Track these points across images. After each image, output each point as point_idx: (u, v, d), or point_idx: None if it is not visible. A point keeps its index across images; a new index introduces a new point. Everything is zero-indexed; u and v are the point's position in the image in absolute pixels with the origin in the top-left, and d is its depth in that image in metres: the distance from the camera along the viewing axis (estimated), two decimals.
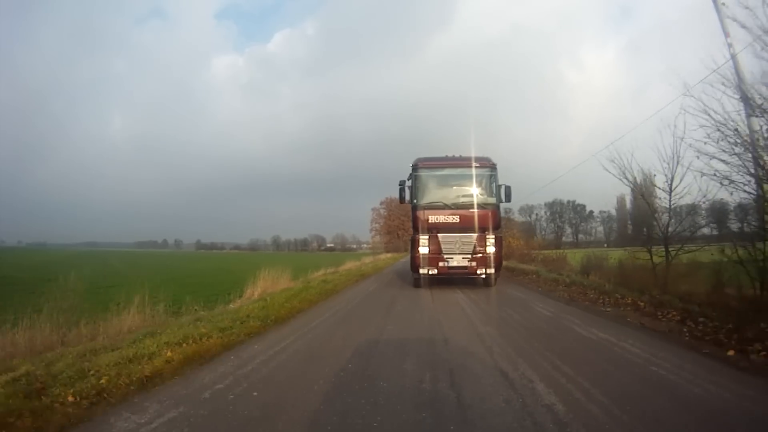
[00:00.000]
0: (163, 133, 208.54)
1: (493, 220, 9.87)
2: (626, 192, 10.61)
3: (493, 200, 9.90)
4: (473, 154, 10.23)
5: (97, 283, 13.46)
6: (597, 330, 5.20)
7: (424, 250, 9.67)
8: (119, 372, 3.59)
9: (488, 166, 10.04)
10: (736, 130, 5.70)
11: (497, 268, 9.99)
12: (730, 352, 4.26)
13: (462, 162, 10.15)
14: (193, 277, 16.26)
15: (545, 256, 18.82)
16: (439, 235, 9.72)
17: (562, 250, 17.83)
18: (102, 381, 3.42)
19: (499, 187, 9.99)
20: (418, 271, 9.80)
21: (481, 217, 9.70)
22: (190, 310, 7.16)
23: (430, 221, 9.75)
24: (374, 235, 65.69)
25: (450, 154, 10.53)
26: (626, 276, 9.63)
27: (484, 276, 9.75)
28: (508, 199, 10.32)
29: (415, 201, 9.91)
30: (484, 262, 9.61)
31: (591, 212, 72.44)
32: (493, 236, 9.81)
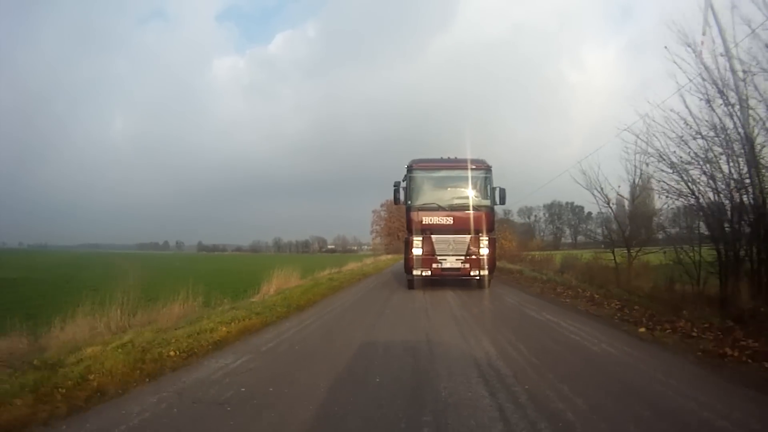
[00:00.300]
0: (165, 134, 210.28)
1: (487, 222, 9.97)
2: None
3: (487, 202, 10.02)
4: (470, 155, 10.37)
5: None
6: (548, 314, 6.71)
7: (417, 251, 9.85)
8: (194, 340, 5.08)
9: (483, 168, 10.12)
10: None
11: (491, 269, 10.05)
12: (641, 329, 5.75)
13: (457, 164, 10.34)
14: (206, 278, 17.76)
15: (533, 257, 20.35)
16: (432, 236, 9.87)
17: (547, 252, 19.28)
18: (184, 345, 4.93)
19: (493, 189, 10.12)
20: (411, 273, 10.00)
21: (475, 219, 9.79)
22: (220, 303, 8.64)
23: (423, 222, 9.92)
24: (375, 236, 67.05)
25: (446, 156, 10.70)
26: (592, 274, 11.18)
27: (477, 278, 9.88)
28: (502, 201, 10.44)
29: (409, 202, 10.07)
30: (477, 263, 9.74)
31: (589, 213, 74.11)
32: (487, 238, 9.90)
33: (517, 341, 4.82)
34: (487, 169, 10.14)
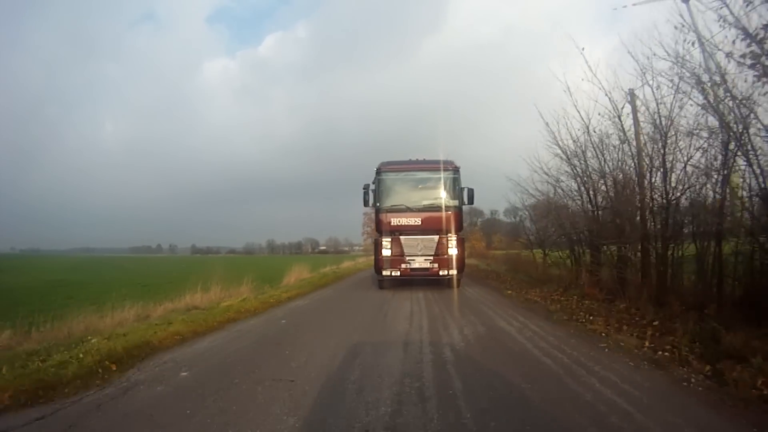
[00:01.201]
0: (157, 137, 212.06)
1: (455, 221, 10.23)
2: None
3: (455, 203, 10.25)
4: (441, 157, 10.63)
5: (165, 278, 19.44)
6: (467, 287, 11.44)
7: (386, 252, 10.19)
8: (276, 299, 9.70)
9: (451, 169, 10.34)
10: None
11: (460, 269, 10.30)
12: (508, 292, 10.53)
13: (425, 165, 10.69)
14: (234, 273, 22.04)
15: (495, 255, 25.29)
16: (401, 237, 10.19)
17: (514, 251, 24.02)
18: (273, 300, 9.53)
19: (461, 189, 10.36)
20: (381, 273, 10.39)
21: (443, 219, 10.04)
22: (261, 286, 13.19)
23: (392, 224, 10.21)
24: (366, 238, 71.11)
25: (416, 158, 11.08)
26: (519, 266, 16.06)
27: (447, 277, 10.23)
28: (470, 201, 10.73)
29: (378, 204, 10.37)
30: (446, 263, 10.02)
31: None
32: (455, 238, 10.16)
33: (436, 299, 9.56)
34: (456, 169, 10.36)
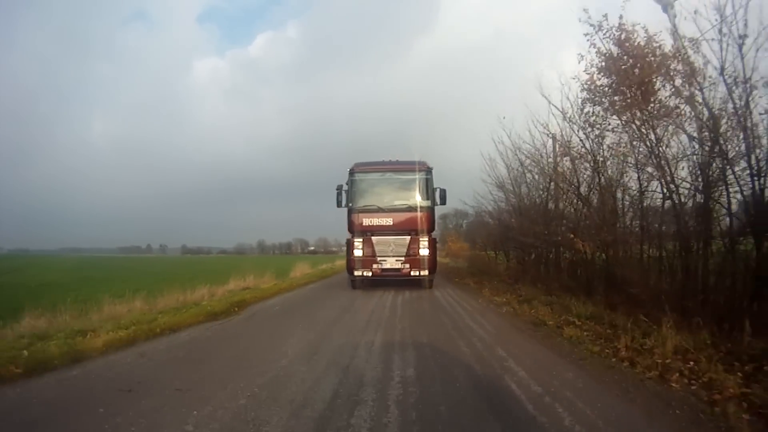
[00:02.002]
0: (146, 136, 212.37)
1: (427, 222, 10.35)
2: None
3: (427, 203, 10.39)
4: (417, 158, 10.83)
5: (187, 274, 23.40)
6: (437, 281, 15.81)
7: (358, 252, 10.38)
8: (293, 285, 14.00)
9: (423, 169, 10.50)
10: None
11: (431, 269, 10.48)
12: (456, 279, 15.03)
13: (398, 166, 10.87)
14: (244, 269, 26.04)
15: (464, 255, 29.85)
16: (373, 237, 10.36)
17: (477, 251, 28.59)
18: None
19: (434, 190, 10.50)
20: (353, 274, 10.67)
21: (414, 220, 10.22)
22: (274, 278, 17.39)
23: (364, 224, 10.35)
24: None
25: (389, 159, 11.22)
26: (475, 262, 20.58)
27: (418, 277, 10.46)
28: (443, 201, 10.84)
29: (350, 204, 10.51)
30: (417, 264, 10.23)
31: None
32: (427, 238, 10.31)
33: (402, 289, 13.91)
34: (428, 170, 10.52)
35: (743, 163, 4.87)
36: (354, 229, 10.56)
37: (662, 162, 5.72)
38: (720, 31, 4.89)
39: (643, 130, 6.18)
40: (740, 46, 4.74)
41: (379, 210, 10.44)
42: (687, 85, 5.76)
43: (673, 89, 5.95)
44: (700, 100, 5.50)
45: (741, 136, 4.91)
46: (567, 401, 3.06)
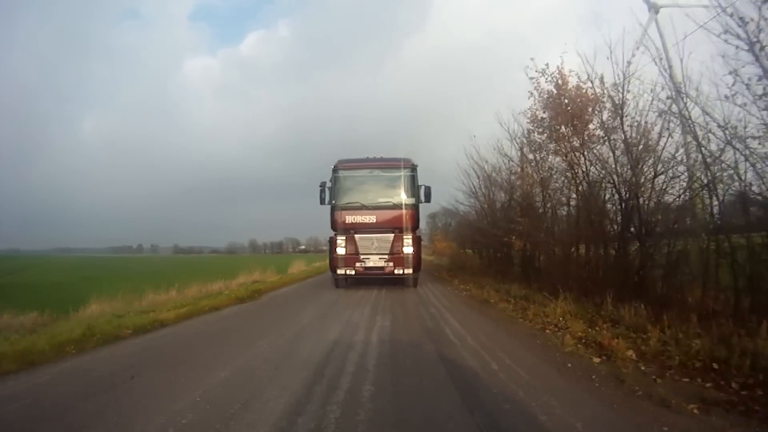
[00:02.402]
0: (138, 135, 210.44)
1: (411, 220, 10.19)
2: None
3: (411, 200, 10.23)
4: (403, 156, 10.71)
5: (195, 272, 25.30)
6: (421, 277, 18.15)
7: (341, 250, 10.27)
8: (293, 279, 16.22)
9: (408, 166, 10.39)
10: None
11: (415, 268, 10.35)
12: (435, 273, 17.41)
13: (382, 163, 10.67)
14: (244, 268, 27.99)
15: (451, 252, 32.31)
16: (356, 235, 10.25)
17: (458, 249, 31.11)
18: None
19: (418, 187, 10.35)
20: (336, 272, 10.55)
21: (398, 217, 10.09)
22: (274, 275, 19.53)
23: (347, 221, 10.23)
24: None
25: (374, 155, 11.04)
26: (457, 259, 22.98)
27: (402, 276, 10.28)
28: (427, 199, 10.62)
29: (333, 201, 10.37)
30: (401, 262, 10.10)
31: None
32: (411, 236, 10.17)
33: (384, 284, 16.20)
34: (413, 167, 10.39)
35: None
36: (337, 226, 10.39)
37: (582, 186, 7.88)
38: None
39: (575, 155, 7.94)
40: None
41: (363, 207, 10.23)
42: (612, 119, 7.30)
43: (600, 122, 7.67)
44: (621, 132, 6.95)
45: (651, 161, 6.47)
46: (476, 337, 5.36)
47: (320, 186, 10.56)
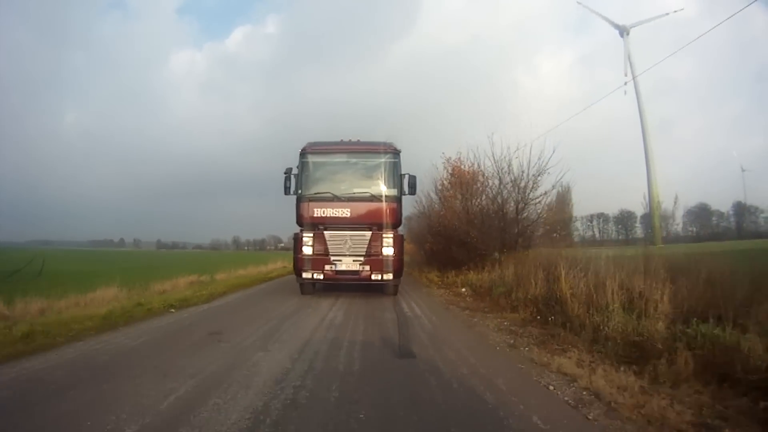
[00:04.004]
0: (119, 128, 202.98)
1: (392, 215, 8.85)
2: None
3: (393, 192, 8.91)
4: (382, 140, 9.43)
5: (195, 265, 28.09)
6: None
7: (307, 250, 8.77)
8: (278, 272, 19.65)
9: (390, 152, 9.09)
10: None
11: (396, 273, 8.86)
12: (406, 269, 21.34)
13: (359, 147, 9.48)
14: (236, 264, 30.47)
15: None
16: (325, 232, 8.79)
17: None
18: (276, 274, 19.46)
19: (401, 176, 9.02)
20: (301, 276, 8.95)
21: (377, 212, 8.74)
22: (257, 268, 22.85)
23: (315, 215, 8.82)
24: None
25: (350, 138, 9.77)
26: (416, 257, 26.91)
27: (380, 283, 8.81)
28: (412, 190, 9.33)
29: (299, 191, 8.96)
30: (379, 266, 8.64)
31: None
32: (392, 234, 8.80)
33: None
34: (395, 153, 9.16)
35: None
36: (303, 221, 8.97)
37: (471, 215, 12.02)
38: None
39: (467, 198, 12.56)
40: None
41: (335, 199, 8.83)
42: (489, 180, 11.99)
43: (481, 181, 12.32)
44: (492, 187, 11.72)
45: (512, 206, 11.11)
46: (404, 294, 9.26)
47: (285, 173, 9.06)
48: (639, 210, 72.31)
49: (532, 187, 10.54)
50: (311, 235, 8.80)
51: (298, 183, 9.00)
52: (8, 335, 4.88)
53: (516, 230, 10.66)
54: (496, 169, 11.17)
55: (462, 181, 13.06)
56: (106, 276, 10.88)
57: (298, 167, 9.07)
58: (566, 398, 3.13)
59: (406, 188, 9.11)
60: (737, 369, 3.11)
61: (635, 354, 3.82)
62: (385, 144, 9.23)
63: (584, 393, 3.20)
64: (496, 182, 11.29)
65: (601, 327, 4.45)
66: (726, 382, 3.08)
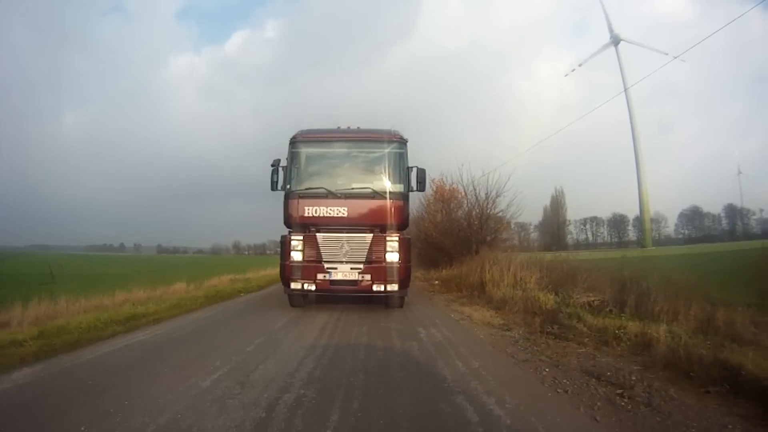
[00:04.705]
0: (118, 132, 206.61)
1: (398, 214, 7.63)
2: None
3: (399, 187, 7.71)
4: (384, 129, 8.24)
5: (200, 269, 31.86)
6: None
7: (296, 255, 7.56)
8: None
9: (395, 141, 7.90)
10: None
11: (402, 283, 7.61)
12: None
13: (358, 135, 8.28)
14: (247, 266, 34.06)
15: None
16: (318, 234, 7.56)
17: None
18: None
19: (408, 170, 7.83)
20: (289, 286, 7.67)
21: (380, 211, 7.55)
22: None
23: (306, 214, 7.59)
24: None
25: (348, 126, 8.53)
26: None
27: (383, 294, 7.60)
28: (421, 186, 8.02)
29: (288, 186, 7.76)
30: (382, 274, 7.44)
31: (508, 223, 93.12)
32: (397, 237, 7.57)
33: None
34: (401, 142, 7.95)
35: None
36: (292, 221, 7.82)
37: (447, 227, 15.94)
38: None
39: (447, 212, 16.42)
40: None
41: (329, 195, 7.66)
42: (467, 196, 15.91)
43: (461, 195, 16.17)
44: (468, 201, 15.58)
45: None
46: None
47: (272, 165, 7.95)
48: (633, 213, 76.24)
49: (492, 206, 14.49)
50: (301, 238, 7.63)
51: (287, 176, 7.86)
52: (162, 305, 8.61)
53: (478, 238, 14.54)
54: (465, 192, 15.16)
55: (443, 198, 17.00)
56: (135, 278, 12.68)
57: (287, 159, 7.94)
58: (456, 318, 7.20)
59: (414, 183, 7.88)
60: (539, 309, 6.95)
61: (503, 305, 7.66)
62: (389, 132, 8.12)
63: (465, 317, 7.23)
64: (470, 200, 15.24)
65: (494, 295, 8.33)
66: (535, 315, 6.86)
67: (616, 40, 73.43)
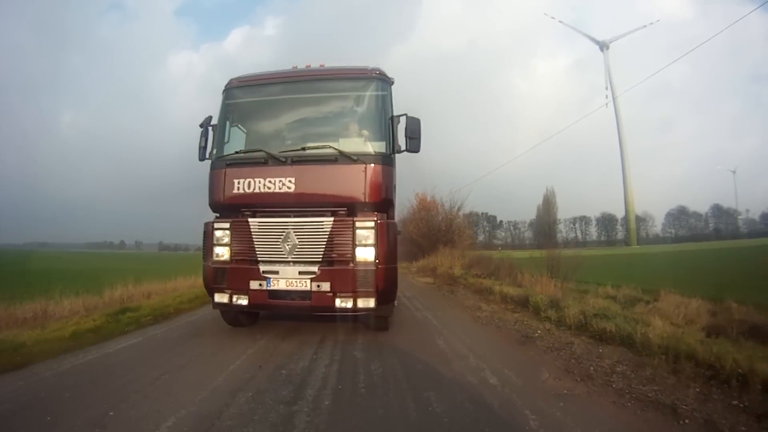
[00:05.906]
0: (117, 130, 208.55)
1: (375, 187, 4.72)
2: None
3: (378, 146, 4.88)
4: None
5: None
6: None
7: (221, 251, 4.90)
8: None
9: (374, 78, 5.09)
10: None
11: (383, 295, 4.67)
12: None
13: (318, 73, 5.34)
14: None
15: None
16: (251, 220, 4.83)
17: None
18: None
19: (393, 120, 4.93)
20: (213, 297, 4.92)
21: (348, 181, 4.72)
22: None
23: (236, 191, 4.90)
24: None
25: (308, 65, 5.51)
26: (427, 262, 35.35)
27: (353, 312, 4.54)
28: (414, 145, 4.89)
29: (214, 151, 5.14)
30: (349, 282, 4.56)
31: (500, 222, 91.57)
32: (374, 222, 4.63)
33: None
34: (382, 80, 5.14)
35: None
36: (217, 202, 5.07)
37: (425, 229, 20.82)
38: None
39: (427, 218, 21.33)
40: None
41: (270, 161, 4.85)
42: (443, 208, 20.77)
43: (436, 208, 21.15)
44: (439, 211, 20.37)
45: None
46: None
47: (200, 125, 5.30)
48: (622, 213, 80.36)
49: (455, 215, 19.51)
50: (227, 225, 4.91)
51: (216, 139, 5.22)
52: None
53: (444, 239, 19.36)
54: (440, 203, 20.13)
55: (425, 207, 21.90)
56: (167, 271, 13.29)
57: (219, 115, 5.34)
58: (414, 282, 12.76)
59: (404, 142, 4.87)
60: (452, 277, 11.83)
61: (439, 276, 12.66)
62: (364, 69, 5.23)
63: (420, 282, 12.80)
64: (440, 210, 20.29)
65: (437, 272, 13.29)
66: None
67: (604, 46, 77.68)
